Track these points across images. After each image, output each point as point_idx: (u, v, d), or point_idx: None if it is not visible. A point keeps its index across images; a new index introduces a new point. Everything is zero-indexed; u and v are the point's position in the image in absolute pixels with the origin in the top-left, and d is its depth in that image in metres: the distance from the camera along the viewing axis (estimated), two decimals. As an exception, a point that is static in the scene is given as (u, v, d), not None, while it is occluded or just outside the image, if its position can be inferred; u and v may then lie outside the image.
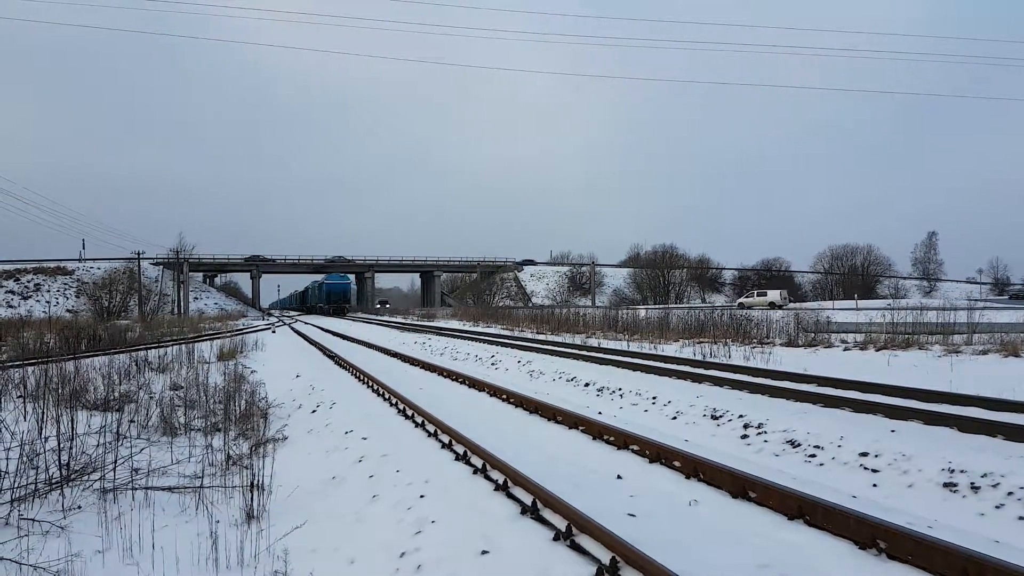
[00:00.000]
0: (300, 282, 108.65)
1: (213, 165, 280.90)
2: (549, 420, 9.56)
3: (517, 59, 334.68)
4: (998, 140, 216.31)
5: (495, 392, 12.05)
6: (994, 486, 5.76)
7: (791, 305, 53.73)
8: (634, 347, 20.01)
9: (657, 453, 7.01)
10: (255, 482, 6.42)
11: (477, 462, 6.70)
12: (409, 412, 9.88)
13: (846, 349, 16.61)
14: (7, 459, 6.52)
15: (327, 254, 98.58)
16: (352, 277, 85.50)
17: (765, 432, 8.28)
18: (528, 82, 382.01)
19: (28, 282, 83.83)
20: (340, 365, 18.26)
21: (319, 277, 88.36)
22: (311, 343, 28.65)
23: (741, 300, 62.47)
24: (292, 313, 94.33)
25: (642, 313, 30.54)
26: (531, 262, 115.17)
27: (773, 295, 59.29)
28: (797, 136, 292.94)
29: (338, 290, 76.66)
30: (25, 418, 9.01)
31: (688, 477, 6.35)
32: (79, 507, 6.27)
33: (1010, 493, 5.60)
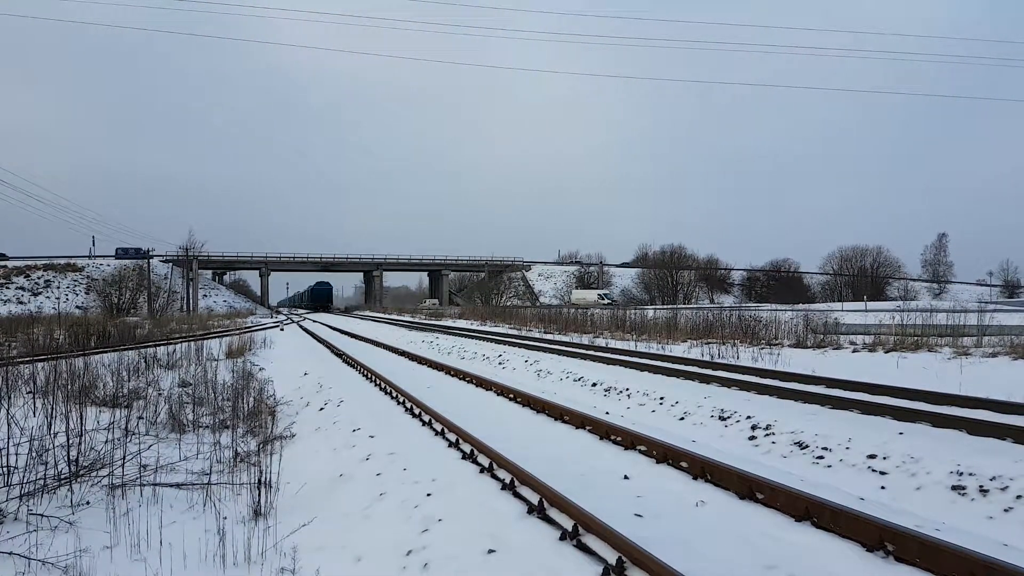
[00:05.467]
0: (309, 280, 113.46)
1: (223, 163, 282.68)
2: (556, 419, 9.55)
3: (527, 60, 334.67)
4: (1009, 141, 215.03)
5: (502, 391, 12.04)
6: (1003, 489, 5.72)
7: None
8: (642, 347, 19.98)
9: (664, 453, 6.99)
10: (263, 479, 6.44)
11: (484, 461, 6.70)
12: (416, 411, 9.90)
13: (855, 351, 16.52)
14: (16, 454, 6.57)
15: (335, 253, 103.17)
16: (331, 284, 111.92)
17: (773, 433, 8.25)
18: (539, 83, 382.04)
19: (38, 279, 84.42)
20: (348, 363, 18.29)
21: (322, 277, 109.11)
22: (320, 341, 28.71)
23: (575, 299, 79.50)
24: (300, 311, 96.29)
25: (650, 313, 30.49)
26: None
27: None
28: (807, 137, 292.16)
29: (323, 294, 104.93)
30: (35, 414, 9.09)
31: (695, 478, 6.33)
32: (87, 503, 6.31)
33: (1019, 496, 5.56)
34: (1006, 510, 5.49)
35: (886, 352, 15.65)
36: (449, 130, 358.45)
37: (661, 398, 10.80)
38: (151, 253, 78.61)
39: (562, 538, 4.68)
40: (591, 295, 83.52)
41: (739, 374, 12.60)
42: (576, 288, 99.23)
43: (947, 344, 15.97)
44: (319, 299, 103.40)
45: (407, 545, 5.00)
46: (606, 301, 75.30)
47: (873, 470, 6.70)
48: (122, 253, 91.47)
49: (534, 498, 5.42)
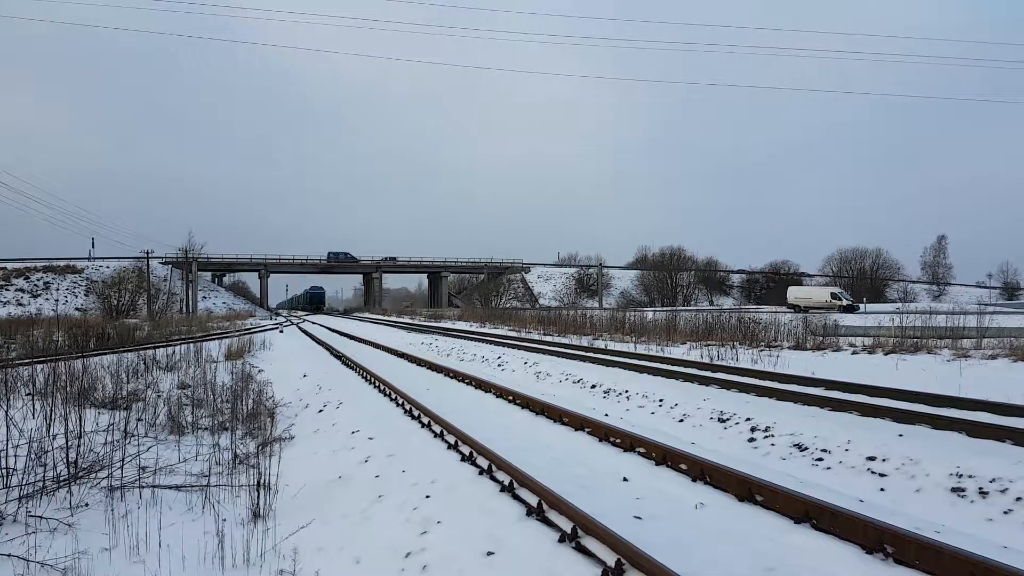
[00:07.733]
0: (308, 282, 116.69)
1: (222, 165, 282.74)
2: (555, 421, 9.55)
3: (525, 61, 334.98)
4: (1009, 143, 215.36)
5: (501, 393, 12.04)
6: (1003, 491, 5.72)
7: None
8: (641, 349, 19.97)
9: (664, 455, 6.99)
10: (262, 481, 6.44)
11: (483, 463, 6.69)
12: (415, 412, 9.89)
13: (854, 353, 16.53)
14: (16, 456, 6.56)
15: (335, 253, 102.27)
16: (324, 288, 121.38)
17: (772, 435, 8.25)
18: (539, 84, 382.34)
19: (38, 280, 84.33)
20: (347, 365, 18.28)
21: (321, 279, 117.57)
22: (319, 343, 28.70)
23: (796, 298, 62.41)
24: (300, 313, 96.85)
25: (649, 315, 30.51)
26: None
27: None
28: (807, 138, 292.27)
29: (317, 297, 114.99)
30: (34, 416, 9.08)
31: (695, 480, 6.33)
32: (86, 505, 6.30)
33: (1019, 498, 5.56)
34: (1006, 512, 5.49)
35: (885, 354, 15.66)
36: (448, 131, 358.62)
37: (660, 400, 10.80)
38: (150, 255, 78.47)
39: (561, 540, 4.68)
40: (820, 293, 61.92)
41: (738, 376, 12.60)
42: (796, 286, 75.56)
43: (946, 346, 15.99)
44: (314, 302, 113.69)
45: (406, 547, 5.00)
46: (843, 302, 57.51)
47: (872, 472, 6.70)
48: (332, 256, 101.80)
49: (533, 500, 5.42)
